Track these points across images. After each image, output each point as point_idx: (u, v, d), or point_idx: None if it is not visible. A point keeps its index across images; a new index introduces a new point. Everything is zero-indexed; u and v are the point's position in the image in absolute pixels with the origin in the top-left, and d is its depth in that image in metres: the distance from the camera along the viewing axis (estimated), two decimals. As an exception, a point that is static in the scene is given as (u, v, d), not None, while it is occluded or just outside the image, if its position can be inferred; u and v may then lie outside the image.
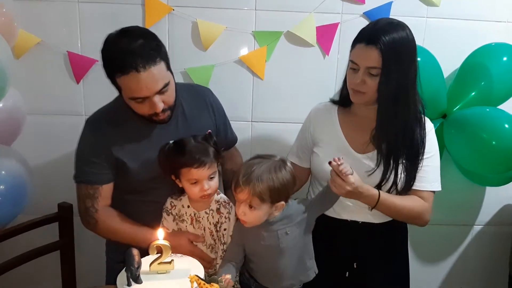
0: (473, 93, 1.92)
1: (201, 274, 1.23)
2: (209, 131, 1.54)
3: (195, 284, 1.14)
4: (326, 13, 1.99)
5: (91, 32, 1.93)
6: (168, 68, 1.47)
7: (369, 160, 1.52)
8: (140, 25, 1.84)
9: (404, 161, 1.51)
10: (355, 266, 1.61)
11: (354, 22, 2.00)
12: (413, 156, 1.51)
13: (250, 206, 1.36)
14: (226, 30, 1.97)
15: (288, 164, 1.43)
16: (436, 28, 2.04)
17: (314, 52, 2.03)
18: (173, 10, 1.94)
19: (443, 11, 2.02)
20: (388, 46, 1.40)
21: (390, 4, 1.99)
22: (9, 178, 1.65)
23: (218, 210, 1.52)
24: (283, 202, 1.39)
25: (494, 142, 1.75)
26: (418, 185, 1.54)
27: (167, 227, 1.56)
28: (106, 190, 1.56)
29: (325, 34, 2.00)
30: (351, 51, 1.48)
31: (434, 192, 1.57)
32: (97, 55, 1.91)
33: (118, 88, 1.46)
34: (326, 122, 1.62)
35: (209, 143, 1.49)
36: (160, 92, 1.43)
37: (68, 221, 1.82)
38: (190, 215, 1.53)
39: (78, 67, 1.95)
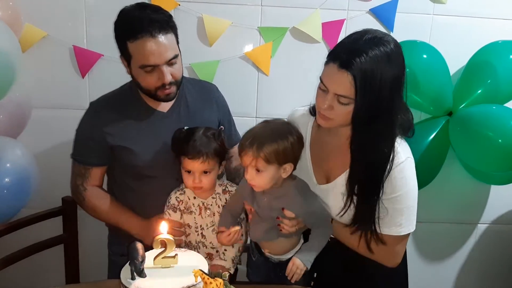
0: (479, 91, 1.91)
1: (205, 268, 1.23)
2: (221, 127, 1.55)
3: (199, 279, 1.14)
4: (332, 10, 1.98)
5: (97, 26, 1.94)
6: (177, 43, 1.52)
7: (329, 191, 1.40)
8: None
9: (356, 199, 1.33)
10: (315, 276, 1.51)
11: (360, 18, 1.99)
12: (367, 195, 1.32)
13: (257, 170, 1.32)
14: (232, 25, 1.97)
15: (294, 126, 1.38)
16: (443, 25, 2.03)
17: (320, 49, 2.02)
18: (179, 5, 1.93)
19: (450, 8, 2.01)
20: (365, 72, 1.16)
21: (396, 1, 1.98)
22: (14, 171, 1.65)
23: (224, 190, 1.54)
24: (291, 164, 1.35)
25: (500, 140, 1.74)
26: (378, 227, 1.34)
27: None
28: (96, 172, 1.63)
29: (331, 31, 2.00)
30: (324, 65, 1.26)
31: (401, 235, 1.34)
32: (102, 50, 1.93)
33: (128, 58, 1.48)
34: None
35: (216, 140, 1.48)
36: (169, 63, 1.46)
37: (72, 215, 1.83)
38: (198, 205, 1.53)
39: (84, 61, 1.95)
